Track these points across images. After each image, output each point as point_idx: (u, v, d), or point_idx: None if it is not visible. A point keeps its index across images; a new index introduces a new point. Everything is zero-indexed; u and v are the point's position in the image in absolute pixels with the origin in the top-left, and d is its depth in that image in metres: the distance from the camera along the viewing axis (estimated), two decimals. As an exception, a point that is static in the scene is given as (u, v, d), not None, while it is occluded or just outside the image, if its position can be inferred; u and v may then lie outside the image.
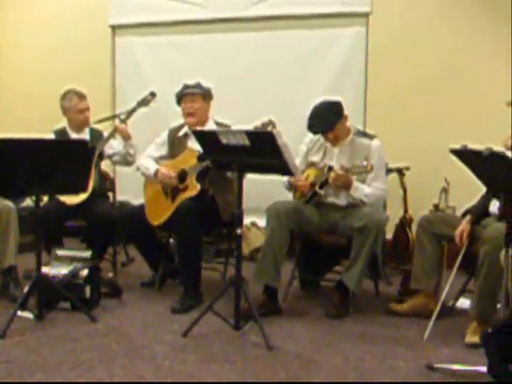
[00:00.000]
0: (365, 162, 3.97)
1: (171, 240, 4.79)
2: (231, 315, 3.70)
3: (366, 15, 5.71)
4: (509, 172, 2.88)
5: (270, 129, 3.76)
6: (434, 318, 3.67)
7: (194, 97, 4.45)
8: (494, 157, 2.85)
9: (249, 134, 3.37)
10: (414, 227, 4.37)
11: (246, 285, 3.65)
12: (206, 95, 4.50)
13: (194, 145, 4.21)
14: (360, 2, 5.69)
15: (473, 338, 3.58)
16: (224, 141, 3.48)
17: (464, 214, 4.00)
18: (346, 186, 4.11)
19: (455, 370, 3.20)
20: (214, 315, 3.68)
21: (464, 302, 4.19)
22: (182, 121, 4.60)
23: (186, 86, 4.49)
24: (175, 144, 4.59)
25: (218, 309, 3.70)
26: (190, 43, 6.16)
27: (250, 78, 5.93)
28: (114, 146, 4.80)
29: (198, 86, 4.48)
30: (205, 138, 3.73)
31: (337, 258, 4.51)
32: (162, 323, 3.87)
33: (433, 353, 3.45)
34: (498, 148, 2.94)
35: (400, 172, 5.08)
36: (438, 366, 3.23)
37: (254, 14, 5.94)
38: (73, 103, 4.76)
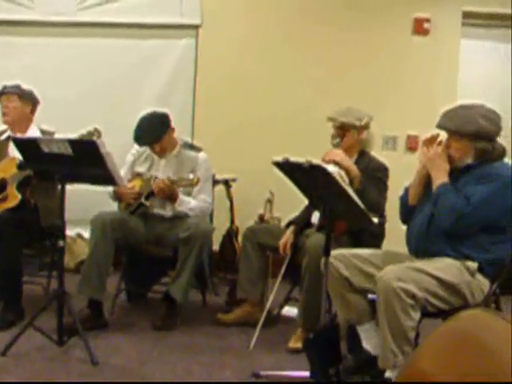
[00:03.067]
0: (191, 175, 4.00)
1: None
2: (54, 330, 3.54)
3: (196, 27, 5.74)
4: (326, 184, 3.00)
5: (95, 137, 3.68)
6: (259, 326, 3.75)
7: (9, 96, 4.25)
8: (314, 169, 2.96)
9: (71, 142, 3.27)
10: (241, 238, 4.44)
11: (69, 298, 3.52)
12: (24, 96, 4.30)
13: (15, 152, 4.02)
14: (190, 15, 5.71)
15: (296, 343, 3.70)
16: (45, 149, 3.35)
17: (288, 225, 4.13)
18: (171, 197, 4.11)
19: (280, 376, 3.29)
20: (36, 331, 3.51)
21: (289, 310, 4.31)
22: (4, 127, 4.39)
23: (4, 87, 4.30)
24: (-6, 151, 4.36)
25: (40, 324, 3.52)
26: (15, 45, 5.86)
27: (77, 84, 5.74)
28: None
29: (15, 86, 4.29)
30: (25, 145, 3.57)
31: (163, 269, 4.49)
32: (-23, 342, 3.64)
33: (259, 360, 3.53)
34: (318, 161, 3.05)
35: (227, 184, 5.15)
36: (264, 373, 3.30)
37: (83, 19, 5.76)
38: None
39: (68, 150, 3.27)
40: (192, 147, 4.40)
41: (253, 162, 5.36)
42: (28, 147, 3.53)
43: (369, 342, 3.18)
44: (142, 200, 4.13)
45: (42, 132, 4.35)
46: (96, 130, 3.77)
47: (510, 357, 1.01)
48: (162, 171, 4.25)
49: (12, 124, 4.26)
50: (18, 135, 4.16)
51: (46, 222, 4.15)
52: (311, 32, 5.61)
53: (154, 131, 4.13)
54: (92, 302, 4.00)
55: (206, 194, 4.31)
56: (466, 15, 5.61)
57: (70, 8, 5.74)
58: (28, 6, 5.78)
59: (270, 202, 5.18)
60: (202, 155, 4.32)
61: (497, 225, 3.03)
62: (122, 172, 4.08)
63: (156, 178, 4.14)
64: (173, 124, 4.24)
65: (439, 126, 3.11)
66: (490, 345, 1.07)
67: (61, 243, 3.46)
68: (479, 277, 3.00)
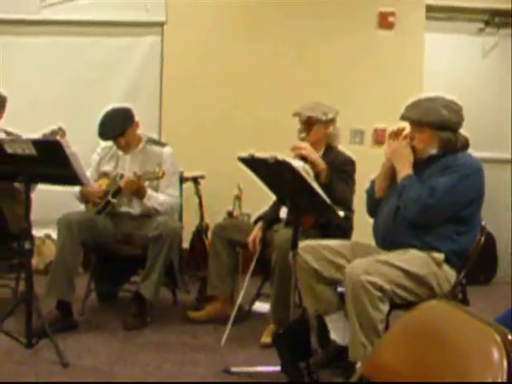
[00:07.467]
0: (157, 168, 3.99)
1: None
2: (23, 333, 3.50)
3: (161, 24, 5.71)
4: (292, 179, 3.01)
5: (58, 136, 3.65)
6: (230, 322, 3.75)
7: None
8: (279, 165, 2.97)
9: (35, 143, 3.23)
10: (210, 235, 4.43)
11: (37, 300, 3.48)
12: None
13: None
14: (155, 12, 5.68)
15: (268, 338, 3.70)
16: (9, 150, 3.30)
17: (256, 221, 4.14)
18: (139, 193, 4.10)
19: (251, 372, 3.30)
20: (4, 334, 3.47)
21: (260, 306, 4.32)
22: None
23: None
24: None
25: (8, 327, 3.49)
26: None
27: (42, 83, 5.67)
28: None
29: None
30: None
31: (133, 268, 4.46)
32: None
33: (230, 357, 3.53)
34: (283, 156, 3.06)
35: (195, 181, 5.14)
36: (235, 369, 3.30)
37: (47, 17, 5.69)
38: None
39: (32, 151, 3.23)
40: (156, 142, 4.40)
41: (221, 158, 5.32)
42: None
43: (336, 332, 3.20)
44: (109, 198, 4.10)
45: (7, 134, 4.29)
46: (60, 128, 3.74)
47: (465, 346, 1.03)
48: (128, 167, 4.22)
49: None
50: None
51: (15, 230, 4.03)
52: (276, 27, 5.61)
53: (117, 125, 4.11)
54: (60, 303, 3.96)
55: (174, 189, 4.29)
56: (430, 9, 5.66)
57: (33, 6, 5.65)
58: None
59: (238, 198, 5.17)
60: (166, 150, 4.31)
61: (462, 215, 3.06)
62: (89, 173, 4.04)
63: (122, 175, 4.12)
64: (136, 119, 4.23)
65: (402, 117, 3.14)
66: (447, 335, 1.08)
67: (27, 245, 3.41)
68: (446, 267, 3.04)
